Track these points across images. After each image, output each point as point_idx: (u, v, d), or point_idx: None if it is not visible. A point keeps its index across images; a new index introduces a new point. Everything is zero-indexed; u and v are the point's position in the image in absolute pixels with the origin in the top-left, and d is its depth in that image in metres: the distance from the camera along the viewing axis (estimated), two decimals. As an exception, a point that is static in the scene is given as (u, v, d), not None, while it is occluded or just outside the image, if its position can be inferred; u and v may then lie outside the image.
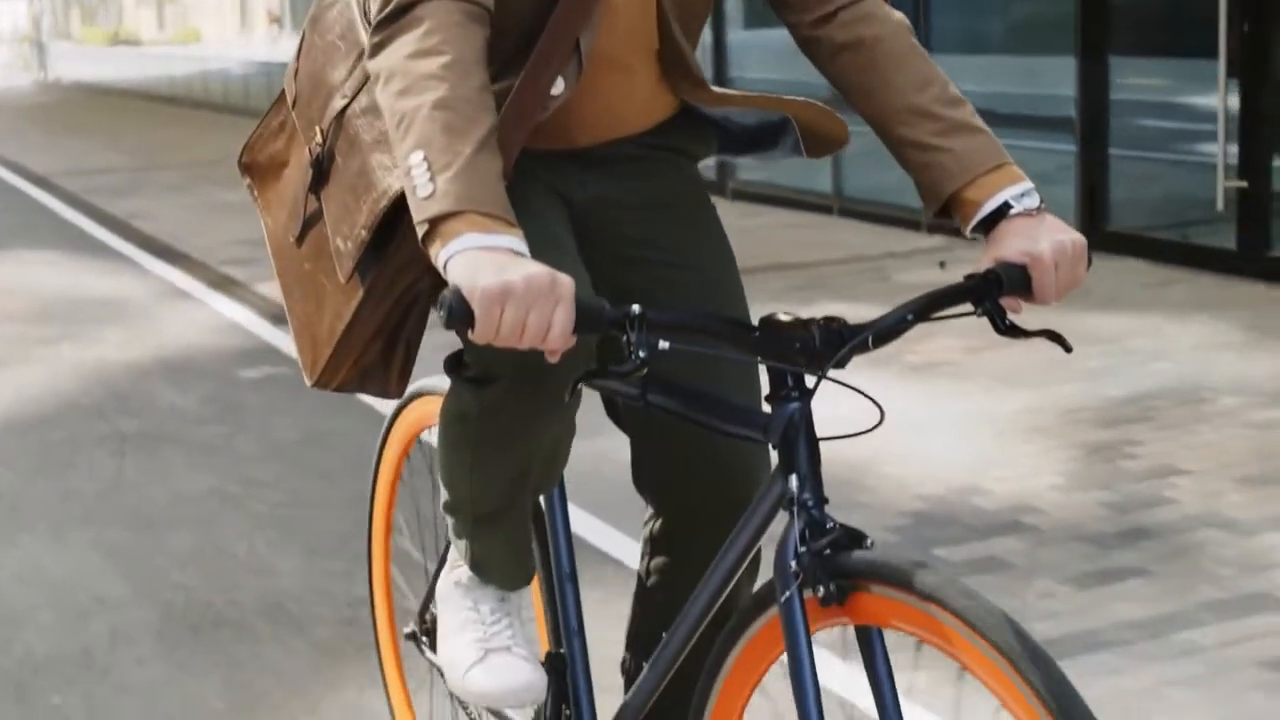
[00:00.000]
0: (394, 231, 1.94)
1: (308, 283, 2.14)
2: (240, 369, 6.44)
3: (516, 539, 2.21)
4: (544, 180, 2.08)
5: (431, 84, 1.77)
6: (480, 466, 2.12)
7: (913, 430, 5.04)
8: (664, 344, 1.74)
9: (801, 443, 1.83)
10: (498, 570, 2.23)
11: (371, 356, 2.13)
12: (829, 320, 1.82)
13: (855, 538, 1.80)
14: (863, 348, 1.81)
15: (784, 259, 8.19)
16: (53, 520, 4.60)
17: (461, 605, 2.24)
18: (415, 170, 1.75)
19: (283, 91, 2.24)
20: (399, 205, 1.90)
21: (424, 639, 2.59)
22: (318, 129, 2.09)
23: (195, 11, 25.44)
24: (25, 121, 22.40)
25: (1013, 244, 1.89)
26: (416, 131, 1.76)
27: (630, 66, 2.07)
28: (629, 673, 2.39)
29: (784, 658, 1.81)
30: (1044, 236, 1.89)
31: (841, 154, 2.33)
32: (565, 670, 2.25)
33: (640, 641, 2.35)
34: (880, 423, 1.85)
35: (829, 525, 1.79)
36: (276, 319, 7.38)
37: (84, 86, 30.03)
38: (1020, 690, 1.60)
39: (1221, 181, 7.14)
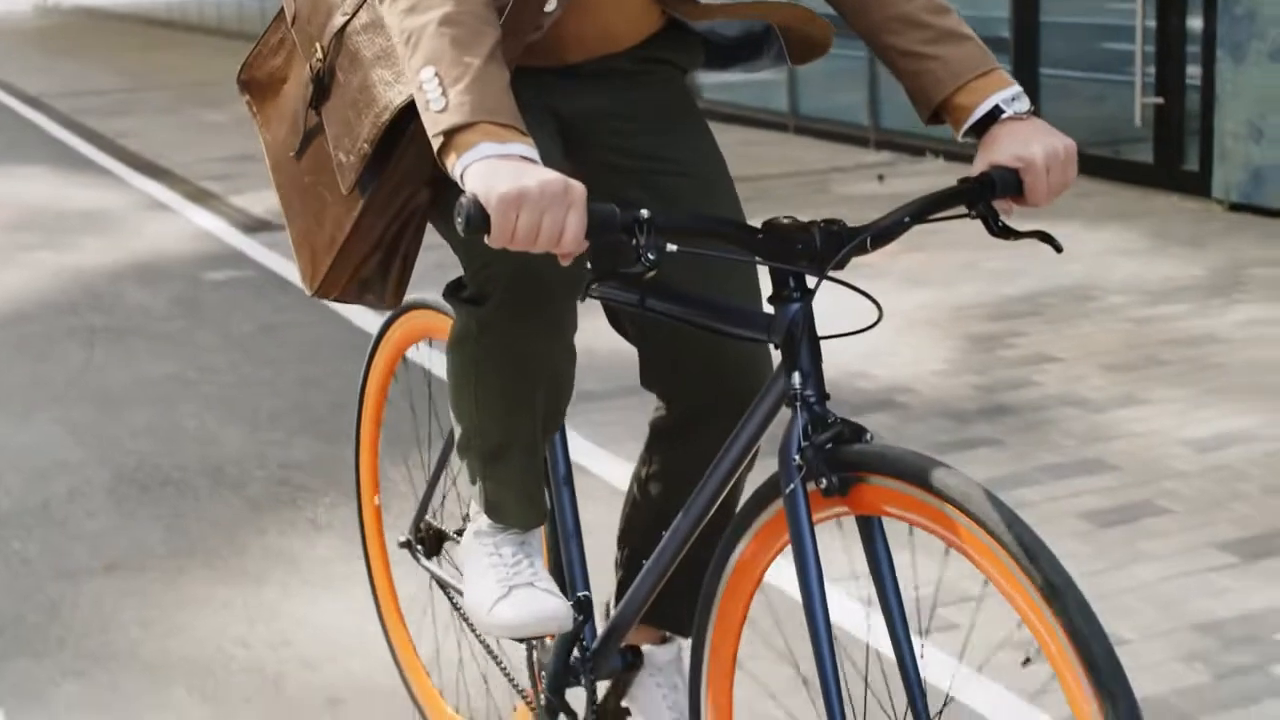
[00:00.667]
0: (394, 146, 1.99)
1: (308, 196, 2.18)
2: (207, 272, 6.87)
3: (527, 477, 2.26)
4: (535, 98, 2.10)
5: (436, 1, 1.82)
6: (484, 389, 2.17)
7: (821, 325, 5.46)
8: (672, 246, 1.77)
9: (804, 341, 1.89)
10: (510, 510, 2.27)
11: (370, 268, 2.16)
12: (829, 223, 1.86)
13: (856, 431, 1.85)
14: (861, 249, 1.86)
15: (736, 172, 8.47)
16: (23, 401, 5.04)
17: (483, 553, 2.30)
18: (427, 85, 1.78)
19: (281, 9, 2.28)
20: (399, 121, 1.96)
21: (419, 547, 2.71)
22: (318, 46, 2.12)
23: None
24: (24, 45, 22.70)
25: (1006, 148, 1.93)
26: (425, 47, 1.80)
27: None
28: (623, 564, 2.47)
29: (788, 550, 1.90)
30: (1035, 140, 1.92)
31: (798, 76, 2.50)
32: (589, 611, 2.34)
33: (635, 532, 2.43)
34: (879, 320, 1.95)
35: (831, 420, 1.85)
36: (247, 228, 7.80)
37: (84, 10, 30.29)
38: (1008, 566, 1.66)
39: (1139, 99, 7.53)
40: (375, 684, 3.07)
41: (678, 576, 2.19)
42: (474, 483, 2.26)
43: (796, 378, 1.87)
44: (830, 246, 1.84)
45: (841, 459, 1.83)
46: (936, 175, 8.49)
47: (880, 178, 8.35)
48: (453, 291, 2.14)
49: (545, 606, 2.17)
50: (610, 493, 3.82)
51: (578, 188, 1.71)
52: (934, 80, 1.99)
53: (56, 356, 5.57)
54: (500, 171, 1.70)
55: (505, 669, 2.59)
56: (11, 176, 10.01)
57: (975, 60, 1.99)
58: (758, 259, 1.89)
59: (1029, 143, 1.92)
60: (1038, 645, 2.29)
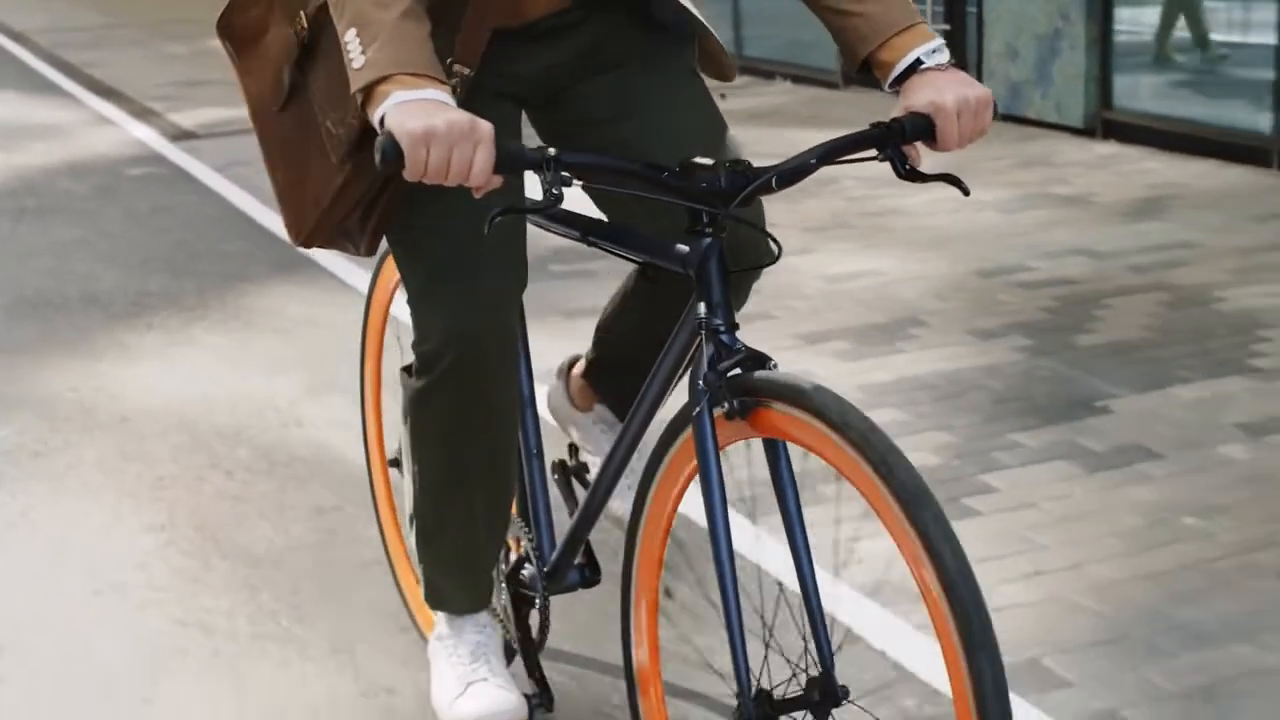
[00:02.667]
0: None
1: (291, 151, 2.25)
2: (129, 169, 8.22)
3: (464, 562, 2.42)
4: (496, 69, 2.21)
5: None
6: (422, 467, 2.34)
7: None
8: (578, 183, 1.90)
9: (714, 274, 1.98)
10: (448, 594, 2.45)
11: (351, 221, 2.25)
12: (735, 163, 1.95)
13: (758, 359, 1.95)
14: (766, 188, 1.95)
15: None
16: (-43, 256, 6.42)
17: (443, 655, 2.48)
18: (349, 46, 1.90)
19: None
20: None
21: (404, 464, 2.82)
22: (302, 15, 2.20)
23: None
24: (23, -13, 24.01)
25: (921, 95, 2.00)
26: (349, 10, 1.92)
27: None
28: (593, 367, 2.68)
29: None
30: (949, 89, 2.00)
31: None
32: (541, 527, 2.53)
33: (604, 351, 2.65)
34: (779, 257, 2.16)
35: (736, 348, 1.97)
36: (173, 137, 9.13)
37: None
38: (882, 492, 1.77)
39: (929, 26, 8.80)
40: (154, 407, 4.43)
41: (626, 373, 2.43)
42: (421, 566, 2.46)
43: (702, 309, 2.00)
44: (735, 186, 1.94)
45: (742, 385, 1.94)
46: (780, 95, 9.79)
47: (723, 96, 9.65)
48: (405, 367, 2.33)
49: (500, 699, 2.40)
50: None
51: (484, 125, 1.83)
52: (858, 37, 2.07)
53: (-11, 228, 6.95)
54: (412, 112, 1.82)
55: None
56: (-16, 98, 11.37)
57: (896, 16, 2.06)
58: (663, 196, 1.99)
59: (943, 90, 2.00)
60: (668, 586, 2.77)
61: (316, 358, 4.82)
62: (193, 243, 6.42)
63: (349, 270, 5.78)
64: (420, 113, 1.82)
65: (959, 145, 2.01)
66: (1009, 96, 8.29)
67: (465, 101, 2.08)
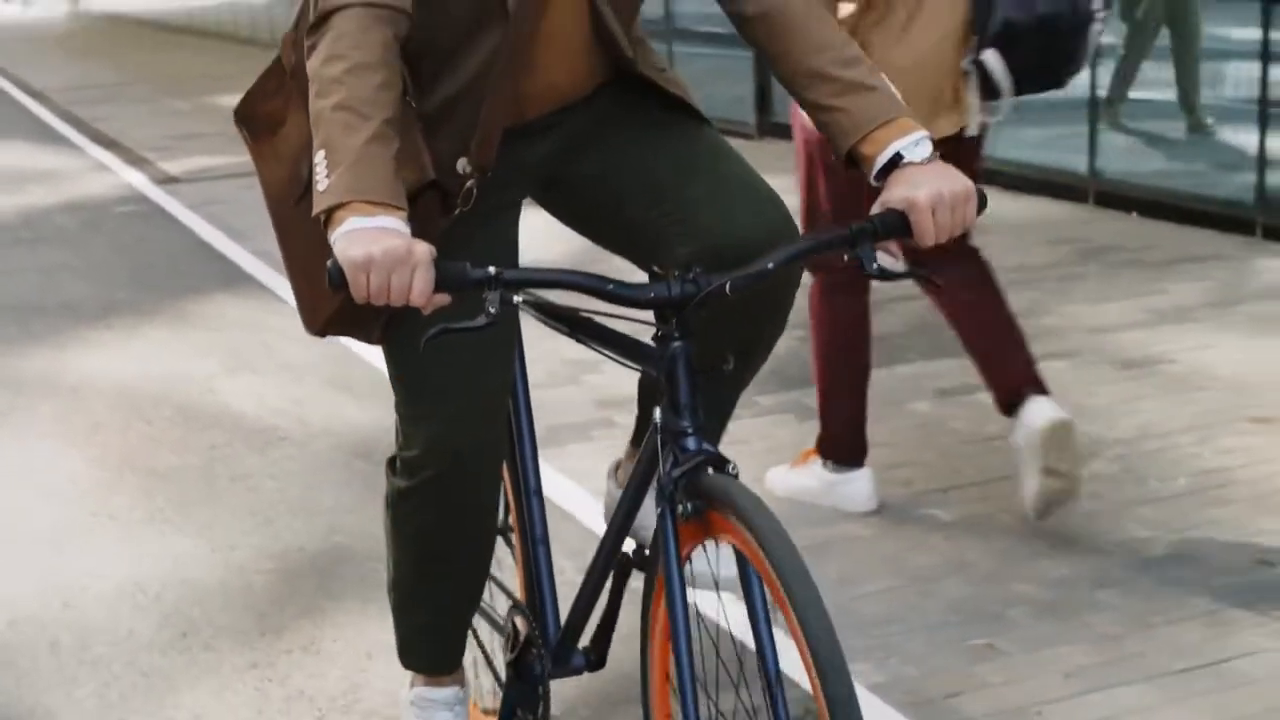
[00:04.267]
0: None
1: (311, 242, 2.23)
2: (116, 207, 9.46)
3: (436, 637, 2.51)
4: (501, 161, 2.23)
5: (334, 88, 1.95)
6: (398, 554, 2.45)
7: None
8: (518, 299, 1.93)
9: (680, 377, 2.01)
10: (419, 657, 2.56)
11: (366, 311, 2.24)
12: (685, 272, 1.99)
13: (717, 463, 1.99)
14: (720, 295, 1.97)
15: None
16: (-39, 276, 7.65)
17: None
18: (318, 166, 1.94)
19: (280, 56, 2.35)
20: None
21: None
22: None
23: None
24: (49, 46, 25.42)
25: (897, 191, 2.02)
26: (322, 132, 1.95)
27: (573, 50, 2.26)
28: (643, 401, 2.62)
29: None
30: (925, 184, 2.00)
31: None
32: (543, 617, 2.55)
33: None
34: (732, 365, 2.13)
35: (696, 451, 2.00)
36: (160, 181, 10.37)
37: (110, 17, 33.11)
38: (789, 609, 1.84)
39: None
40: (102, 381, 5.62)
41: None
42: (393, 624, 2.56)
43: (658, 413, 2.06)
44: (685, 294, 1.98)
45: (697, 488, 2.00)
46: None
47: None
48: (390, 464, 2.42)
49: None
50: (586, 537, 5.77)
51: (422, 249, 1.88)
52: (840, 131, 2.09)
53: (-10, 254, 8.18)
54: (356, 240, 1.88)
55: (494, 669, 2.85)
56: (-1, 149, 12.66)
57: (877, 111, 2.08)
58: (614, 304, 2.01)
59: (918, 185, 2.01)
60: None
61: (238, 349, 6.02)
62: (160, 265, 7.64)
63: (282, 286, 6.99)
64: (364, 240, 1.88)
65: (938, 239, 2.02)
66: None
67: (478, 200, 2.21)
